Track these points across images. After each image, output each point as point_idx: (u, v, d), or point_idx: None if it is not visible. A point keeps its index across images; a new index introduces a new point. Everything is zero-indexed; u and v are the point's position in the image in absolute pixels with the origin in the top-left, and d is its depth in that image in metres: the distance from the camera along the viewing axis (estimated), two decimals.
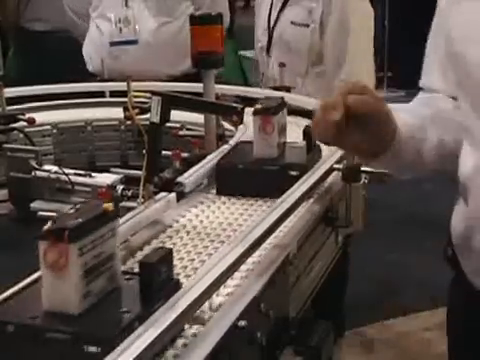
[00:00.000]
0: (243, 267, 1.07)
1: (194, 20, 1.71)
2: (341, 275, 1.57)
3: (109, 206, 0.91)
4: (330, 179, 1.46)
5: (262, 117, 1.50)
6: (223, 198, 1.46)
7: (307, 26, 2.39)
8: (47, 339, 0.83)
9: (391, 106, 1.11)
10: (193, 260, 1.17)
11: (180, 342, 0.91)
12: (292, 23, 2.43)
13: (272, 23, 2.55)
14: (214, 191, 1.48)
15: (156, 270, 0.90)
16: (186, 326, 0.94)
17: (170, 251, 0.95)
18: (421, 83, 1.23)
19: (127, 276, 0.96)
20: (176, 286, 0.94)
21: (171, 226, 1.31)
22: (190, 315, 0.91)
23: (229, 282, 1.05)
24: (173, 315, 0.85)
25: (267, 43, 2.63)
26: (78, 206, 0.91)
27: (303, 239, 1.26)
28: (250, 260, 1.09)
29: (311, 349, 1.18)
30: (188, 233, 1.28)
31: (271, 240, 1.16)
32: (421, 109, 1.16)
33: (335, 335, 1.31)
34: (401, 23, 6.10)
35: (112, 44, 2.63)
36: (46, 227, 0.85)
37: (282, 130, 1.54)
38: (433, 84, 1.20)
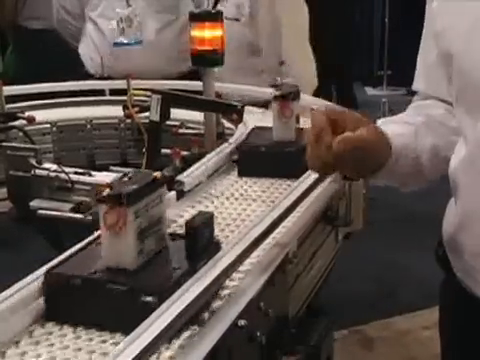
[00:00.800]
0: (242, 267, 1.07)
1: (194, 18, 1.70)
2: None
3: (158, 175, 1.01)
4: (330, 178, 1.45)
5: (281, 102, 1.58)
6: (245, 178, 1.54)
7: (238, 20, 2.38)
8: (110, 290, 0.94)
9: (383, 120, 1.12)
10: (232, 222, 1.30)
11: (180, 341, 0.91)
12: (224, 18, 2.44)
13: None
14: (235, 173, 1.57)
15: (200, 232, 1.01)
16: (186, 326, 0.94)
17: (211, 216, 1.05)
18: (413, 87, 1.24)
19: (173, 238, 1.06)
20: (217, 247, 1.04)
21: (211, 193, 1.44)
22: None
23: (228, 283, 1.05)
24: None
25: None
26: (130, 175, 1.00)
27: (303, 238, 1.26)
28: (249, 261, 1.09)
29: (311, 348, 1.18)
30: (225, 199, 1.41)
31: (270, 239, 1.16)
32: (413, 118, 1.17)
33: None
34: (401, 21, 6.10)
35: (116, 44, 2.61)
36: (105, 192, 0.94)
37: (297, 117, 1.60)
38: (421, 87, 1.21)
